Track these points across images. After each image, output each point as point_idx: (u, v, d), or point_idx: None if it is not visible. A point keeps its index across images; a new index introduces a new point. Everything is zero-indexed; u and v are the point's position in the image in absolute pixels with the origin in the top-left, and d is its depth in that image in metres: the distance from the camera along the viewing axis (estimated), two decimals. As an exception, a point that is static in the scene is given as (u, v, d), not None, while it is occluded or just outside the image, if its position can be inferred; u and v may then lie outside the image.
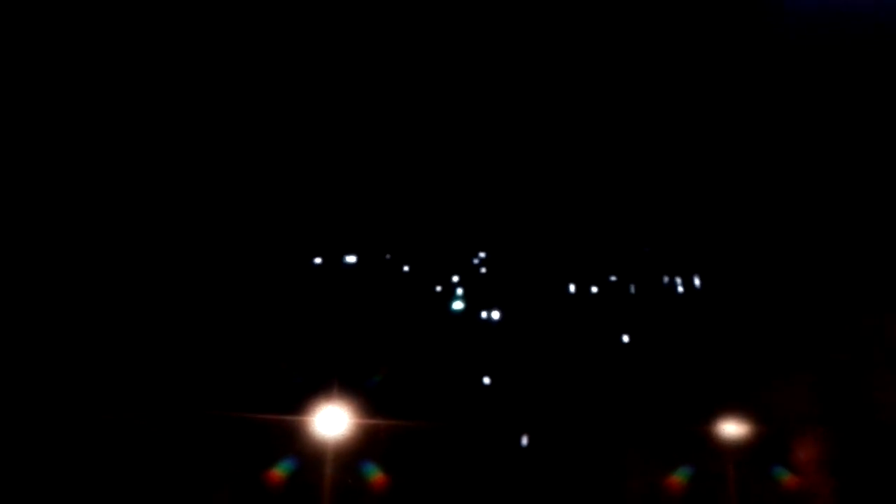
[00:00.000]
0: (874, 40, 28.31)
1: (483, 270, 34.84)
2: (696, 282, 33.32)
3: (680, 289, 33.52)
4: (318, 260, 31.56)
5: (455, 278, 34.43)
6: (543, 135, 34.36)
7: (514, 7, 32.43)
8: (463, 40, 32.90)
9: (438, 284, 34.16)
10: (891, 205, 28.56)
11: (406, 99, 33.37)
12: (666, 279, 33.73)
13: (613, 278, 34.09)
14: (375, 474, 25.94)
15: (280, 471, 25.07)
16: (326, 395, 24.81)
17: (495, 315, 33.35)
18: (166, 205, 28.34)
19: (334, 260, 32.11)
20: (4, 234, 25.42)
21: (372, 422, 25.44)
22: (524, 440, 28.78)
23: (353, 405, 24.62)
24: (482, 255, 34.92)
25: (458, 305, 33.81)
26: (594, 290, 33.72)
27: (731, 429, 27.27)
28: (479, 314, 33.44)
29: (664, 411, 28.59)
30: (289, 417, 24.69)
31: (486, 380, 30.62)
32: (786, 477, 26.68)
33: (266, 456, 25.04)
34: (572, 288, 33.90)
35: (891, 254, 28.43)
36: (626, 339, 32.17)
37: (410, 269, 33.92)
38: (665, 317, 32.55)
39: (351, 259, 32.53)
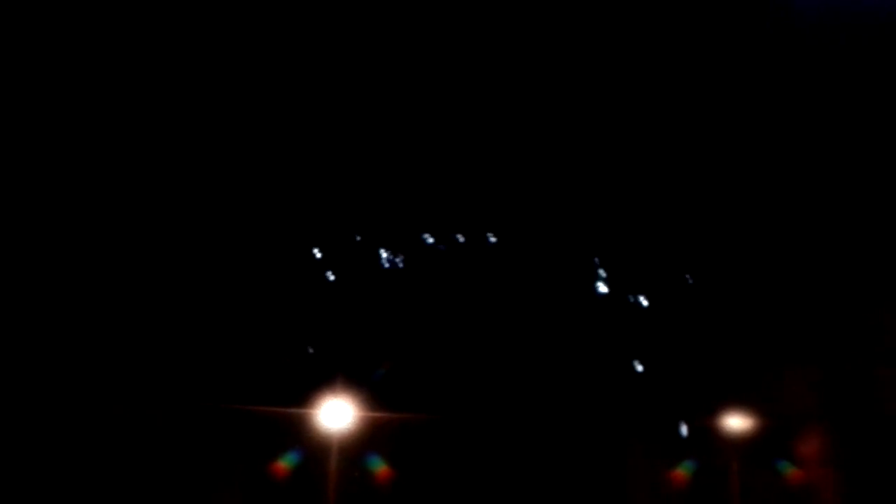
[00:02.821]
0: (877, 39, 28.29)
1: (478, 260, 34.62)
2: (699, 274, 33.27)
3: (682, 281, 33.47)
4: (318, 253, 31.41)
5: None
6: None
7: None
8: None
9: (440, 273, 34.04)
10: (893, 198, 28.57)
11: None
12: (668, 272, 33.67)
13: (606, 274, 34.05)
14: (381, 467, 25.93)
15: (285, 463, 25.04)
16: (331, 388, 24.76)
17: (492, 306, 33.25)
18: (167, 196, 28.14)
19: (337, 251, 31.95)
20: (4, 230, 25.25)
21: (377, 415, 25.41)
22: (528, 433, 28.73)
23: (358, 398, 24.61)
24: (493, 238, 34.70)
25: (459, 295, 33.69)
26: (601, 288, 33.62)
27: (735, 423, 27.33)
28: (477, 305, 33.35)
29: (668, 405, 28.64)
30: (294, 410, 24.63)
31: (490, 371, 30.56)
32: (789, 471, 26.77)
33: (272, 448, 25.00)
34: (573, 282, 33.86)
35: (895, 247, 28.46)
36: (628, 333, 32.13)
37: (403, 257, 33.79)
38: (668, 310, 32.52)
39: (354, 249, 32.38)
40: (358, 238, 32.62)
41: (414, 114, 33.02)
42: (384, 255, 33.04)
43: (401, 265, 33.17)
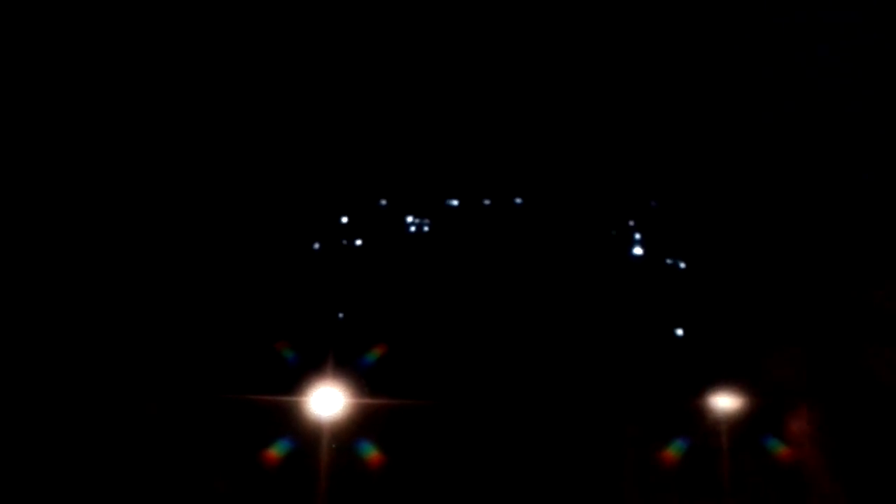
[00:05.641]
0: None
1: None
2: (691, 254, 33.35)
3: (674, 262, 33.57)
4: (316, 245, 31.48)
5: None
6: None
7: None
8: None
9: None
10: (885, 179, 28.60)
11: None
12: (661, 252, 33.74)
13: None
14: (371, 453, 26.08)
15: (277, 450, 25.19)
16: (322, 375, 24.84)
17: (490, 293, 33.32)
18: (160, 188, 28.23)
19: (330, 240, 32.05)
20: (7, 228, 25.40)
21: (368, 401, 25.51)
22: (520, 416, 28.87)
23: (348, 384, 24.69)
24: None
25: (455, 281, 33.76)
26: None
27: (725, 401, 27.43)
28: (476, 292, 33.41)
29: (659, 384, 28.77)
30: (285, 397, 24.75)
31: (482, 355, 30.68)
32: (779, 449, 26.90)
33: (263, 436, 25.15)
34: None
35: (884, 226, 28.50)
36: (623, 312, 32.23)
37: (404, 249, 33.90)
38: (660, 289, 32.62)
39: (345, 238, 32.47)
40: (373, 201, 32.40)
41: (443, 77, 32.80)
42: (409, 219, 33.06)
43: (423, 227, 33.07)
